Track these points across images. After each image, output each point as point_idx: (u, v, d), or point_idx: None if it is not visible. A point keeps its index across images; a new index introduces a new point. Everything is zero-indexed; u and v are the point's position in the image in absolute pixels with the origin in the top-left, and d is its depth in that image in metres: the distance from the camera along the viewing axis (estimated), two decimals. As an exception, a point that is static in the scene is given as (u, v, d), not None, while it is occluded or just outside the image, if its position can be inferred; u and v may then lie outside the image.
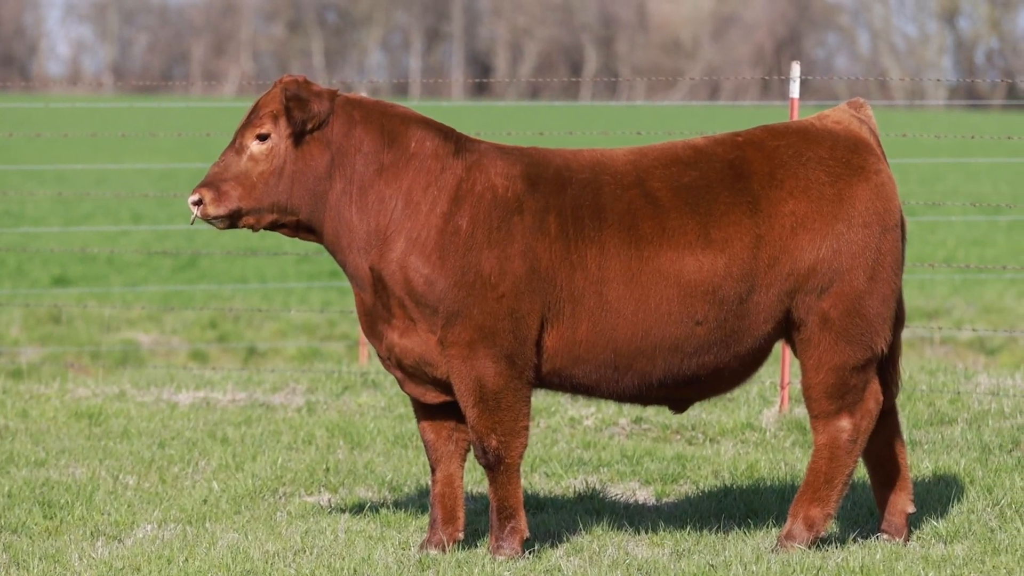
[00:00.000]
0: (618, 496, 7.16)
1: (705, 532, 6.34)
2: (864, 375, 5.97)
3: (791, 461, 7.77)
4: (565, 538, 6.31)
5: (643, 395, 6.02)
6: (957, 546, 6.05)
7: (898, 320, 6.13)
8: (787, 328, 6.01)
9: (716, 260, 5.87)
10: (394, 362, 6.02)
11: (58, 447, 8.21)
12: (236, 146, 5.97)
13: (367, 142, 5.98)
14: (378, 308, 5.97)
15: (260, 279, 18.70)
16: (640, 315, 5.86)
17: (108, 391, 9.80)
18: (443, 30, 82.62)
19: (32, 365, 13.13)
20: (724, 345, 5.92)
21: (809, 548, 5.97)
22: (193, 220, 5.96)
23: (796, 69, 9.13)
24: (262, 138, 5.96)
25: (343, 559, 5.89)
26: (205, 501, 6.96)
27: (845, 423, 5.97)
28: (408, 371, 6.01)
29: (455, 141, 6.01)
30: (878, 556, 5.87)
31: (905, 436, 7.21)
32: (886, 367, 6.14)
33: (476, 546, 6.16)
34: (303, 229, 6.03)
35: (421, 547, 6.11)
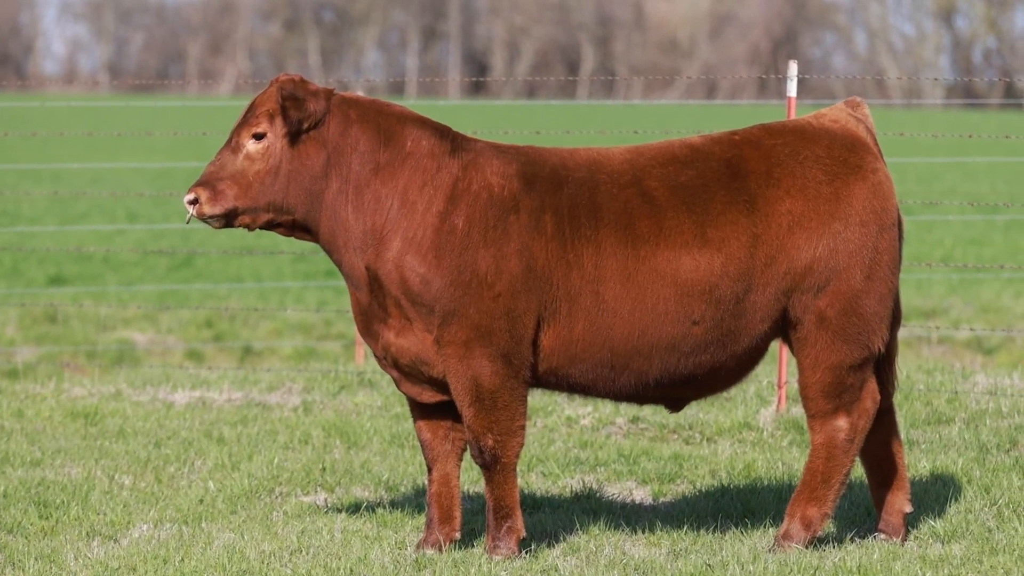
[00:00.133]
0: (615, 496, 7.15)
1: (702, 532, 6.34)
2: (861, 374, 5.96)
3: (788, 461, 7.77)
4: (562, 538, 6.30)
5: (640, 394, 6.01)
6: (955, 546, 6.05)
7: (895, 319, 6.12)
8: (784, 327, 6.01)
9: (713, 259, 5.86)
10: (390, 362, 6.01)
11: (54, 447, 8.19)
12: (232, 145, 5.96)
13: (363, 141, 5.97)
14: (374, 308, 5.96)
15: (256, 278, 18.68)
16: (637, 314, 5.86)
17: (104, 391, 9.79)
18: (440, 29, 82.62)
19: (28, 365, 13.11)
20: (721, 344, 5.91)
21: (806, 548, 5.97)
22: (189, 219, 5.95)
23: (793, 68, 9.12)
24: (258, 137, 5.94)
25: (339, 559, 5.88)
26: (201, 501, 6.94)
27: (842, 422, 5.96)
28: (404, 370, 6.00)
29: (451, 140, 6.00)
30: (875, 556, 5.86)
31: (903, 435, 7.21)
32: (883, 366, 6.14)
33: (473, 546, 6.15)
34: (299, 228, 6.02)
35: (417, 547, 6.10)
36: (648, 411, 8.76)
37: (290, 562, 5.85)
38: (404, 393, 6.10)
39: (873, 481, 6.21)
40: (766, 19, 79.53)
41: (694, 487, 7.26)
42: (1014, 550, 5.93)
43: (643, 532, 6.35)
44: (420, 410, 6.11)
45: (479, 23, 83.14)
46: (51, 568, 5.82)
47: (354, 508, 6.81)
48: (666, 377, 5.94)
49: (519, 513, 5.96)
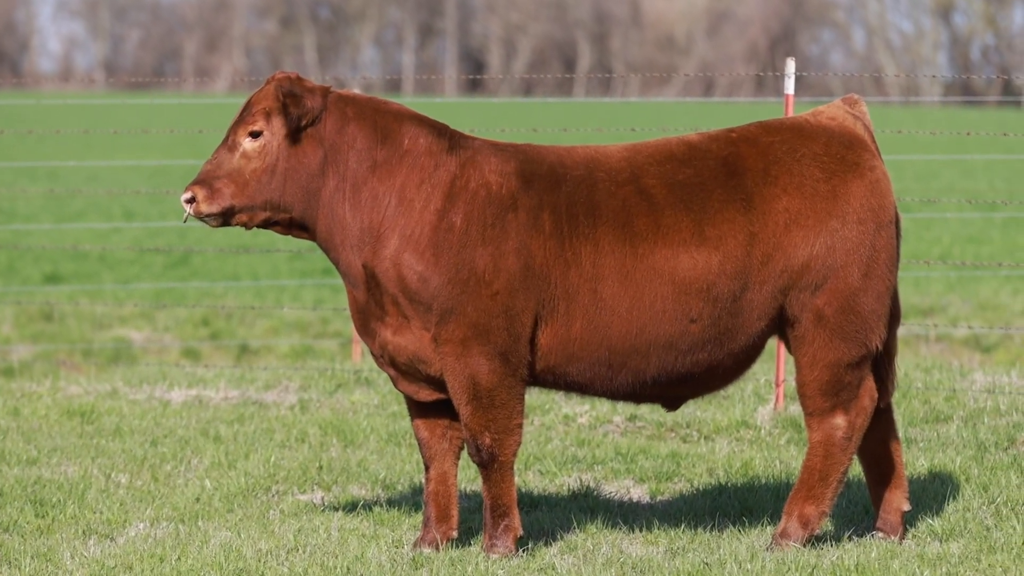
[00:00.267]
0: (612, 494, 7.14)
1: (700, 530, 6.33)
2: (859, 372, 5.95)
3: (786, 459, 7.76)
4: (559, 536, 6.29)
5: (637, 393, 6.00)
6: (953, 544, 6.04)
7: (894, 317, 6.11)
8: (781, 325, 6.00)
9: (710, 257, 5.85)
10: (387, 360, 5.99)
11: (50, 445, 8.18)
12: (229, 143, 5.95)
13: (360, 139, 5.96)
14: (371, 306, 5.94)
15: (253, 276, 18.67)
16: (635, 312, 5.85)
17: (100, 389, 9.77)
18: (436, 26, 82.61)
19: (24, 363, 13.09)
20: (718, 342, 5.90)
21: (804, 546, 5.96)
22: (186, 218, 5.93)
23: (791, 65, 9.11)
24: (255, 135, 5.93)
25: (336, 557, 5.87)
26: (198, 499, 6.93)
27: (840, 420, 5.95)
28: (401, 369, 5.99)
29: (449, 138, 5.99)
30: (873, 554, 5.85)
31: (900, 434, 7.20)
32: (883, 366, 6.13)
33: (470, 544, 6.14)
34: (296, 226, 6.00)
35: (415, 545, 6.09)
36: (645, 409, 8.75)
37: (287, 561, 5.84)
38: (401, 391, 6.08)
39: (871, 479, 6.20)
40: (764, 16, 79.55)
41: (692, 485, 7.25)
42: (1012, 548, 5.92)
43: (640, 530, 6.34)
44: (417, 408, 6.09)
45: (475, 20, 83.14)
46: (47, 567, 5.81)
47: (351, 507, 6.80)
48: (664, 375, 5.93)
49: (516, 511, 5.95)
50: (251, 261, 19.77)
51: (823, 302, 5.92)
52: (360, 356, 11.38)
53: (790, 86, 9.09)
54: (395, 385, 6.08)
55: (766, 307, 5.92)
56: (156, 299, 16.78)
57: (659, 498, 7.09)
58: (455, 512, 6.07)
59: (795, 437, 8.36)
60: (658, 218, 5.87)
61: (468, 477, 7.30)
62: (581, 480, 7.37)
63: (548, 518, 6.58)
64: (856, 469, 6.76)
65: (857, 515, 6.56)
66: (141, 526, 6.48)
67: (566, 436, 8.46)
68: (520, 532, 5.97)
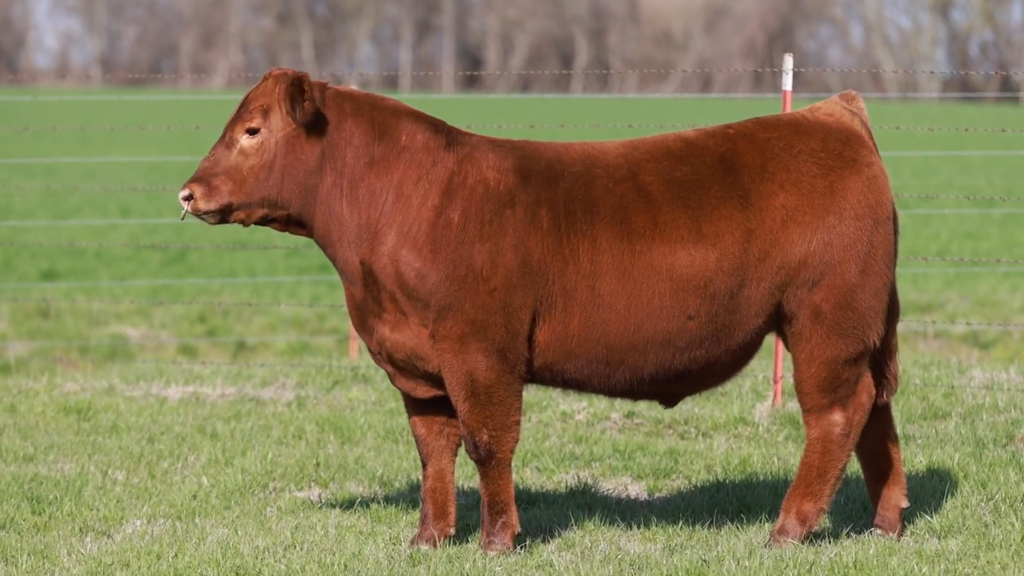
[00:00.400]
0: (610, 491, 7.13)
1: (698, 527, 6.32)
2: (856, 368, 5.94)
3: (784, 456, 7.75)
4: (557, 533, 6.28)
5: (634, 390, 5.99)
6: (951, 541, 6.03)
7: (892, 314, 6.10)
8: (779, 321, 5.99)
9: (707, 254, 5.84)
10: (385, 356, 5.98)
11: (46, 442, 8.16)
12: (226, 141, 5.93)
13: (358, 135, 5.94)
14: (368, 302, 5.93)
15: (249, 273, 18.65)
16: (632, 309, 5.84)
17: (97, 386, 9.76)
18: (433, 22, 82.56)
19: (20, 359, 13.07)
20: (715, 339, 5.89)
21: (802, 543, 5.95)
22: (184, 216, 5.91)
23: (789, 61, 9.09)
24: (252, 132, 5.91)
25: (333, 554, 5.86)
26: (194, 496, 6.92)
27: (838, 417, 5.94)
28: (399, 365, 5.98)
29: (446, 134, 5.97)
30: (872, 551, 5.84)
31: (899, 430, 7.19)
32: (883, 362, 6.12)
33: (467, 541, 6.13)
34: (293, 223, 5.99)
35: (412, 542, 6.08)
36: (643, 406, 8.74)
37: (284, 558, 5.82)
38: (398, 388, 6.07)
39: (869, 476, 6.19)
40: (761, 12, 79.54)
41: (689, 482, 7.24)
42: (1010, 545, 5.91)
43: (638, 527, 6.33)
44: (415, 405, 6.08)
45: (473, 17, 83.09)
46: (44, 564, 5.80)
47: (348, 504, 6.79)
48: (661, 372, 5.92)
49: (514, 508, 5.94)
50: (248, 258, 19.75)
51: (820, 298, 5.91)
52: (357, 353, 11.36)
53: (788, 82, 9.07)
54: (392, 382, 6.07)
55: (763, 304, 5.91)
56: (153, 296, 16.76)
57: (657, 495, 7.08)
58: (453, 509, 6.06)
59: (793, 434, 8.35)
60: (655, 215, 5.86)
61: (466, 474, 7.28)
62: (579, 477, 7.36)
63: (546, 515, 6.57)
64: (854, 466, 6.75)
65: (855, 512, 6.55)
66: (138, 523, 6.46)
67: (564, 433, 8.45)
68: (518, 529, 5.96)
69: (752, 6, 79.80)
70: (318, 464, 7.56)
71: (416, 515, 6.54)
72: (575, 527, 6.36)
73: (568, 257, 5.84)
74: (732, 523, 6.38)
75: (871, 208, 5.95)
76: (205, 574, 5.60)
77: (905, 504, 6.16)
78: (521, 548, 5.99)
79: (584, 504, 6.79)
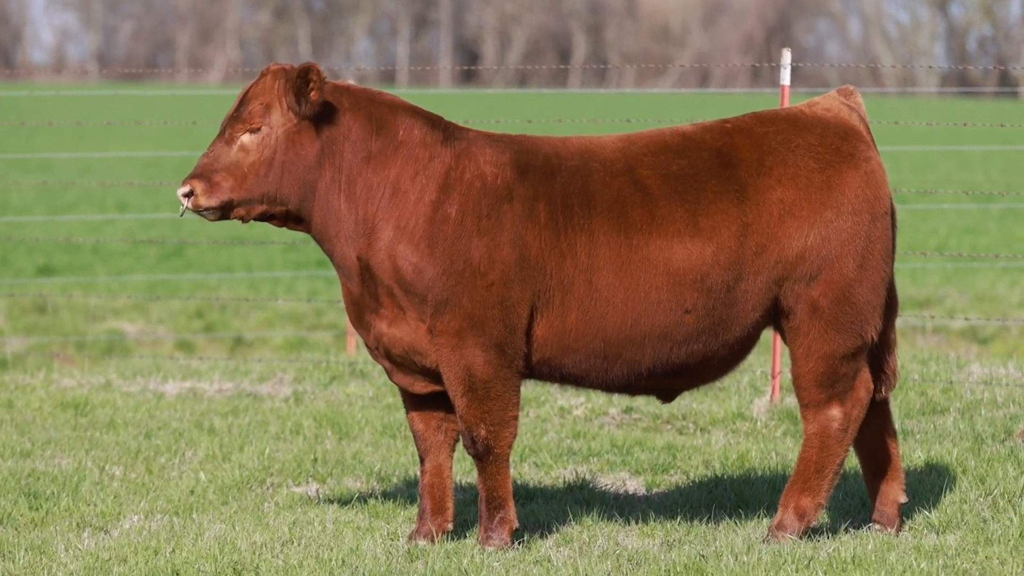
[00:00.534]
0: (608, 486, 7.12)
1: (696, 522, 6.31)
2: (854, 363, 5.94)
3: (782, 451, 7.74)
4: (555, 529, 6.27)
5: (632, 384, 5.98)
6: (949, 536, 6.02)
7: (891, 309, 6.09)
8: (776, 316, 5.98)
9: (704, 248, 5.84)
10: (382, 352, 5.97)
11: (44, 438, 8.15)
12: (226, 137, 5.91)
13: (356, 130, 5.93)
14: (366, 298, 5.92)
15: (247, 268, 18.64)
16: (629, 303, 5.83)
17: (94, 381, 9.74)
18: (431, 17, 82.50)
19: (17, 355, 13.06)
20: (713, 333, 5.89)
21: (800, 538, 5.94)
22: (183, 212, 5.89)
23: (787, 56, 9.08)
24: (253, 129, 5.89)
25: (331, 550, 5.85)
26: (192, 492, 6.91)
27: (835, 412, 5.94)
28: (396, 361, 5.97)
29: (443, 129, 5.96)
30: (870, 546, 5.84)
31: (897, 426, 7.20)
32: (882, 358, 6.11)
33: (465, 537, 6.12)
34: (292, 219, 5.98)
35: (410, 538, 6.07)
36: (641, 401, 8.73)
37: (281, 553, 5.82)
38: (396, 384, 6.06)
39: (867, 471, 6.19)
40: (759, 7, 79.50)
41: (687, 477, 7.23)
42: (1009, 540, 5.91)
43: (636, 523, 6.32)
44: (412, 400, 6.07)
45: (470, 11, 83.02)
46: (41, 559, 5.79)
47: (346, 499, 6.78)
48: (659, 367, 5.91)
49: (512, 504, 5.93)
50: (245, 253, 19.74)
51: (818, 293, 5.90)
52: (355, 348, 11.36)
53: (786, 77, 9.06)
54: (390, 377, 6.06)
55: (761, 298, 5.91)
56: (150, 291, 16.74)
57: (655, 490, 7.07)
58: (450, 504, 6.05)
59: (791, 429, 8.34)
60: (652, 209, 5.85)
61: (464, 469, 7.28)
62: (577, 472, 7.35)
63: (544, 510, 6.56)
64: (852, 461, 6.74)
65: (854, 507, 6.55)
66: (135, 519, 6.45)
67: (562, 428, 8.44)
68: (516, 524, 5.95)
69: (750, 1, 79.78)
70: (316, 460, 7.55)
71: (414, 510, 6.53)
72: (573, 522, 6.36)
73: (566, 251, 5.84)
74: (730, 518, 6.37)
75: (869, 203, 5.94)
76: (203, 570, 5.59)
77: (903, 499, 6.16)
78: (519, 543, 5.98)
79: (582, 499, 6.78)
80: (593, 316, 5.84)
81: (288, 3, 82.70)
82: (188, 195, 5.86)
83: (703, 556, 5.72)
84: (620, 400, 8.82)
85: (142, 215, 22.60)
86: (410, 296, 5.85)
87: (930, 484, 6.79)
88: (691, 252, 5.84)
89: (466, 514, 6.45)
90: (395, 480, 7.21)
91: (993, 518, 6.24)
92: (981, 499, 6.53)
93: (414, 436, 6.10)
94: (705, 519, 6.36)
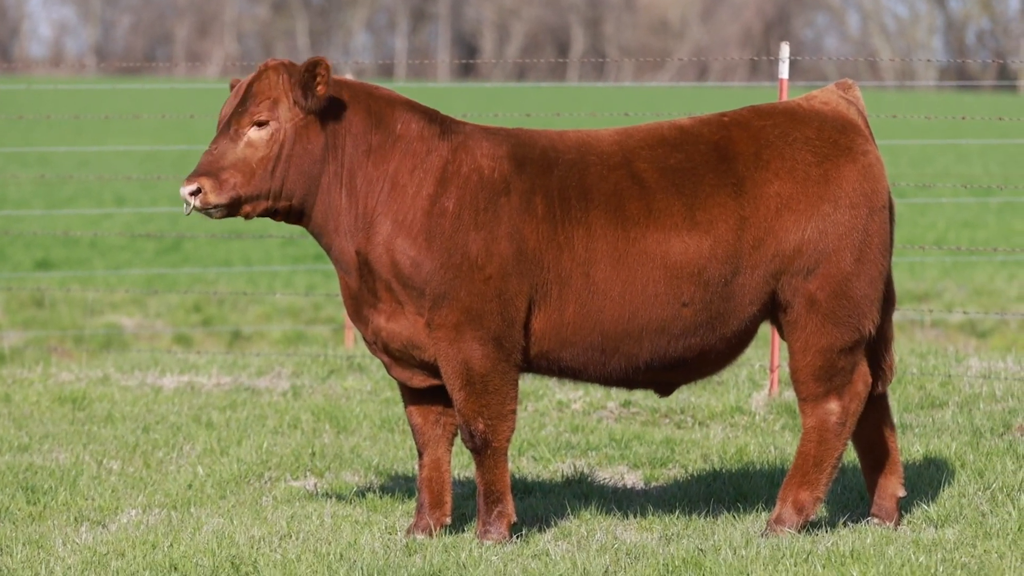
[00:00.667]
0: (606, 480, 7.12)
1: (694, 516, 6.31)
2: (852, 357, 5.93)
3: (781, 445, 7.74)
4: (553, 522, 6.27)
5: (630, 378, 5.98)
6: (948, 530, 6.02)
7: (888, 303, 6.09)
8: (774, 310, 5.97)
9: (701, 242, 5.83)
10: (380, 346, 5.97)
11: (41, 432, 8.14)
12: (231, 133, 5.86)
13: (356, 123, 5.93)
14: (364, 292, 5.91)
15: (245, 262, 18.62)
16: (627, 297, 5.82)
17: (91, 375, 9.74)
18: (429, 11, 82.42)
19: (15, 349, 13.05)
20: (710, 327, 5.88)
21: (799, 532, 5.94)
22: (190, 211, 5.82)
23: (785, 50, 9.07)
24: (260, 124, 5.86)
25: (329, 544, 5.85)
26: (190, 486, 6.90)
27: (834, 406, 5.93)
28: (395, 355, 5.96)
29: (440, 123, 5.96)
30: (868, 540, 5.84)
31: (895, 420, 7.18)
32: (879, 351, 6.10)
33: (463, 531, 6.11)
34: (294, 215, 5.96)
35: (408, 532, 6.07)
36: (639, 395, 8.73)
37: (279, 547, 5.81)
38: (394, 378, 6.05)
39: (866, 465, 6.18)
40: (758, 0, 79.45)
41: (686, 471, 7.23)
42: (1007, 534, 5.91)
43: (635, 517, 6.32)
44: (410, 395, 6.07)
45: (468, 5, 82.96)
46: (39, 553, 5.78)
47: (344, 493, 6.77)
48: (656, 360, 5.91)
49: (510, 498, 5.93)
50: (243, 247, 19.72)
51: (815, 287, 5.89)
52: (353, 342, 11.35)
53: (784, 71, 9.05)
54: (388, 372, 6.05)
55: (758, 292, 5.90)
56: (148, 285, 16.73)
57: (653, 484, 7.07)
58: (449, 498, 6.05)
59: (790, 423, 8.34)
60: (650, 202, 5.84)
61: (462, 463, 7.27)
62: (575, 466, 7.34)
63: (542, 504, 6.55)
64: (851, 455, 6.74)
65: (852, 501, 6.55)
66: (133, 513, 6.45)
67: (560, 422, 8.44)
68: (514, 518, 5.95)
69: (748, -6, 79.68)
70: (314, 453, 7.54)
71: (412, 504, 6.53)
72: (571, 516, 6.35)
73: (563, 244, 5.83)
74: (729, 512, 6.37)
75: (866, 196, 5.94)
76: (200, 564, 5.58)
77: (902, 493, 6.15)
78: (517, 537, 5.98)
79: (580, 493, 6.78)
80: (591, 309, 5.84)
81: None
82: (195, 193, 5.81)
83: (701, 550, 5.72)
84: (618, 394, 8.82)
85: (140, 209, 22.58)
86: (408, 290, 5.84)
87: (929, 478, 6.79)
88: (688, 245, 5.83)
89: (464, 508, 6.44)
90: (393, 474, 7.20)
91: (992, 512, 6.23)
92: (980, 493, 6.53)
93: (412, 430, 6.09)
94: (703, 513, 6.36)
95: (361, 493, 6.75)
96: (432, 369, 5.95)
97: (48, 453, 7.62)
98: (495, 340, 5.80)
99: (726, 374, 9.11)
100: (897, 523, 6.15)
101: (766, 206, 5.88)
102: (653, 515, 6.32)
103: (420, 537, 5.99)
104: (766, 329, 6.32)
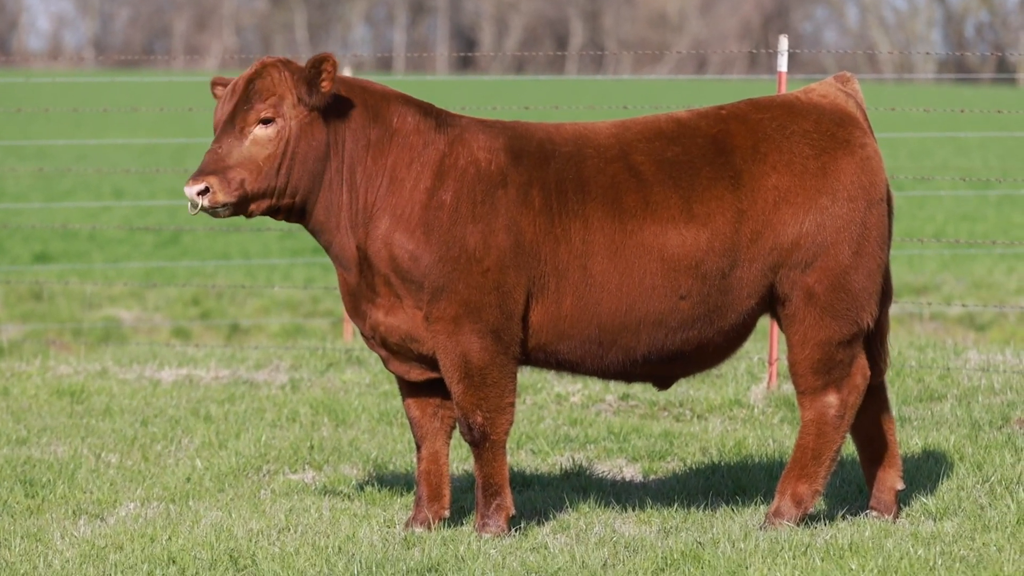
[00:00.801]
0: (605, 473, 7.12)
1: (693, 509, 6.31)
2: (850, 350, 5.93)
3: (779, 438, 7.74)
4: (552, 516, 6.27)
5: (628, 371, 5.97)
6: (947, 523, 6.02)
7: (885, 296, 6.09)
8: (772, 303, 5.97)
9: (699, 234, 5.83)
10: (379, 341, 5.96)
11: (40, 425, 8.14)
12: (236, 131, 5.83)
13: (355, 118, 5.92)
14: (362, 287, 5.91)
15: (243, 255, 18.61)
16: (624, 289, 5.82)
17: (90, 368, 9.73)
18: (428, 4, 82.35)
19: (13, 342, 13.03)
20: (708, 320, 5.88)
21: (797, 525, 5.94)
22: (197, 211, 5.77)
23: (784, 43, 9.06)
24: (266, 122, 5.83)
25: (328, 537, 5.85)
26: (188, 479, 6.90)
27: (832, 398, 5.93)
28: (393, 349, 5.96)
29: (435, 116, 5.95)
30: (867, 533, 5.84)
31: (894, 412, 7.18)
32: (875, 344, 6.10)
33: (462, 524, 6.11)
34: (295, 212, 5.94)
35: (406, 525, 6.07)
36: (638, 388, 8.73)
37: (278, 540, 5.81)
38: (392, 372, 6.05)
39: (864, 458, 6.18)
40: (756, -6, 79.32)
41: (684, 464, 7.23)
42: (1006, 527, 5.91)
43: (633, 510, 6.32)
44: (409, 388, 6.06)
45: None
46: (37, 547, 5.78)
47: (342, 486, 6.77)
48: (654, 353, 5.91)
49: (508, 491, 5.92)
50: (242, 240, 19.72)
51: (813, 280, 5.89)
52: (351, 335, 11.34)
53: (783, 64, 9.04)
54: (386, 365, 6.05)
55: (756, 285, 5.89)
56: (146, 278, 16.72)
57: (652, 477, 7.07)
58: (447, 491, 6.05)
59: (788, 416, 8.34)
60: (647, 195, 5.84)
61: (460, 456, 7.27)
62: (574, 459, 7.34)
63: (540, 497, 6.55)
64: (850, 448, 6.73)
65: (851, 494, 6.55)
66: (131, 506, 6.45)
67: (558, 415, 8.44)
68: (512, 511, 5.95)
69: (747, -13, 79.59)
70: (312, 447, 7.54)
71: (410, 498, 6.53)
72: (570, 509, 6.35)
73: (560, 237, 5.82)
74: (727, 505, 6.37)
75: (864, 189, 5.93)
76: (199, 557, 5.58)
77: (901, 486, 6.15)
78: (516, 530, 5.98)
79: (579, 486, 6.78)
80: (588, 302, 5.83)
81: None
82: (203, 192, 5.76)
83: (700, 543, 5.72)
84: (617, 387, 8.81)
85: (138, 202, 22.56)
86: (407, 284, 5.84)
87: (927, 471, 6.79)
88: (685, 238, 5.83)
89: (463, 501, 6.44)
90: (391, 467, 7.20)
91: (990, 505, 6.24)
92: (978, 486, 6.53)
93: (410, 423, 6.09)
94: (702, 506, 6.36)
95: (359, 486, 6.75)
96: (430, 362, 5.94)
97: (46, 446, 7.62)
98: (493, 333, 5.80)
99: (725, 367, 9.11)
100: (896, 516, 6.15)
101: (764, 199, 5.87)
102: (652, 508, 6.32)
103: (418, 530, 5.99)
104: (765, 322, 6.33)
